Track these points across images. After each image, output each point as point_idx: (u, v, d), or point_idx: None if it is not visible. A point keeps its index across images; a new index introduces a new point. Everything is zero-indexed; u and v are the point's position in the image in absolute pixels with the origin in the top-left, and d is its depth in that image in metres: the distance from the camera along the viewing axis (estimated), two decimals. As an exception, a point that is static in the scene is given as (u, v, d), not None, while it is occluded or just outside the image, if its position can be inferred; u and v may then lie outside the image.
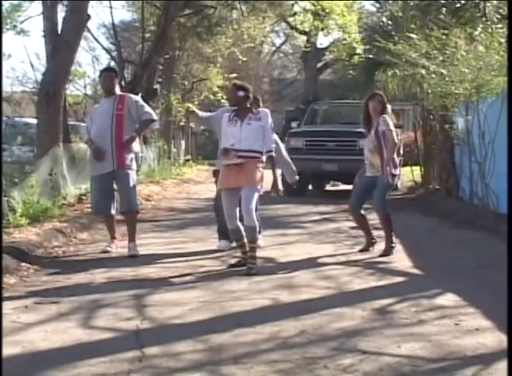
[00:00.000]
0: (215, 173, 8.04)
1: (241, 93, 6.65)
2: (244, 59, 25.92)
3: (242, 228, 6.62)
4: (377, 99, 7.49)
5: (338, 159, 14.38)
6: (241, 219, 6.68)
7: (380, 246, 7.57)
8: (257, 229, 6.64)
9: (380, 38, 13.08)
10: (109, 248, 7.64)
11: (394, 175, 7.42)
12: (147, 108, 7.79)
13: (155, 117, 7.96)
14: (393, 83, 14.12)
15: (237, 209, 6.61)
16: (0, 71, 10.92)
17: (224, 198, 6.66)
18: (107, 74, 7.87)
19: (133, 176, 7.66)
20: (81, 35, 12.31)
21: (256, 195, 6.53)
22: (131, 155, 7.60)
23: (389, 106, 7.56)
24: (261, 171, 6.55)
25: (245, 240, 6.63)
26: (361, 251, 7.64)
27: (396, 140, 7.37)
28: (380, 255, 7.31)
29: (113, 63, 23.67)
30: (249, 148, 6.48)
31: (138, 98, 7.97)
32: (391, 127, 7.36)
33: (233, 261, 6.86)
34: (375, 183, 7.46)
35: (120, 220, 8.05)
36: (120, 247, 7.65)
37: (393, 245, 7.46)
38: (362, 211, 7.69)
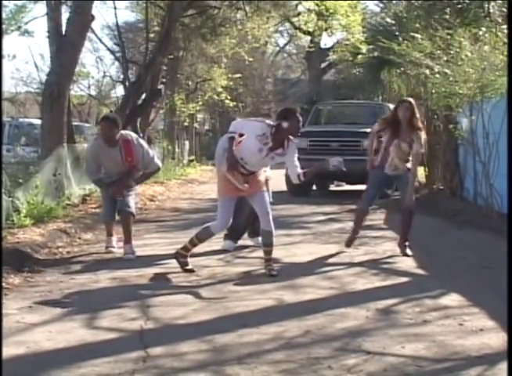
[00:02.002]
0: None
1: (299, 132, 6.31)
2: (250, 59, 25.94)
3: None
4: (405, 106, 7.45)
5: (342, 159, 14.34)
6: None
7: (383, 246, 7.59)
8: (274, 233, 6.47)
9: (383, 38, 13.08)
10: (112, 249, 7.59)
11: None
12: (152, 153, 7.62)
13: (160, 164, 7.82)
14: (397, 83, 14.11)
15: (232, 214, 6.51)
16: (0, 72, 10.95)
17: (224, 205, 6.34)
18: (106, 124, 7.40)
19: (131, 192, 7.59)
20: (85, 36, 12.31)
21: (268, 198, 6.49)
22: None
23: (418, 115, 7.58)
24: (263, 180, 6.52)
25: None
26: (347, 245, 7.72)
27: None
28: (405, 255, 7.37)
29: (117, 64, 23.69)
30: (256, 171, 6.38)
31: (140, 141, 7.56)
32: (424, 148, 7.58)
33: (235, 262, 6.86)
34: (393, 179, 7.60)
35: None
36: (120, 245, 7.58)
37: (406, 244, 7.52)
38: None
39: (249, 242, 8.07)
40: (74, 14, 11.43)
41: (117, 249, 7.59)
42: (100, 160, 7.42)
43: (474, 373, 3.72)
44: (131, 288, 5.81)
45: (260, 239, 7.48)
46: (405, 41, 12.17)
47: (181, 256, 6.51)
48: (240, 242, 8.02)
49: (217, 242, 7.94)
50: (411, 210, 7.52)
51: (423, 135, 7.43)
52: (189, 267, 6.47)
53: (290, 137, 6.26)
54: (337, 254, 7.56)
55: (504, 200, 9.81)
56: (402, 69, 13.10)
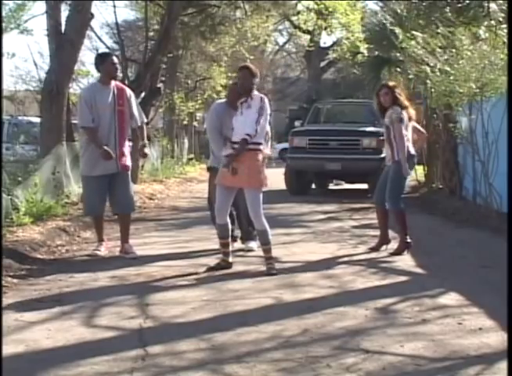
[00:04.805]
0: (209, 169, 7.99)
1: (257, 81, 6.52)
2: (251, 57, 25.89)
3: (230, 227, 6.57)
4: (384, 91, 7.43)
5: (341, 158, 14.38)
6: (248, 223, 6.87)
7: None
8: (268, 231, 6.45)
9: (383, 36, 13.07)
10: (97, 252, 7.35)
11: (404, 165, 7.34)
12: (139, 109, 7.60)
13: (145, 119, 7.87)
14: (397, 81, 14.05)
15: (229, 205, 6.55)
16: (0, 70, 10.92)
17: (218, 193, 6.48)
18: (114, 59, 7.37)
19: (129, 176, 7.48)
20: (85, 34, 12.29)
21: (261, 196, 6.40)
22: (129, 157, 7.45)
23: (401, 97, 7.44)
24: (259, 164, 6.35)
25: (230, 240, 6.62)
26: (371, 249, 7.61)
27: (403, 132, 7.27)
28: (392, 254, 7.33)
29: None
30: (236, 141, 6.31)
31: (132, 94, 7.59)
32: (394, 120, 7.28)
33: (234, 260, 6.86)
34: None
35: (112, 220, 8.06)
36: (109, 249, 7.49)
37: (408, 241, 7.43)
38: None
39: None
40: (74, 12, 11.41)
41: (103, 252, 7.39)
42: (95, 103, 7.20)
43: (472, 372, 3.72)
44: (130, 287, 5.81)
45: (251, 244, 7.51)
46: (406, 38, 12.15)
47: (223, 257, 6.59)
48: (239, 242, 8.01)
49: (216, 241, 7.93)
50: (392, 209, 7.48)
51: (395, 111, 7.27)
52: (229, 260, 6.57)
53: (256, 95, 6.45)
54: (337, 253, 7.55)
55: (503, 199, 9.81)
56: (402, 67, 13.10)
